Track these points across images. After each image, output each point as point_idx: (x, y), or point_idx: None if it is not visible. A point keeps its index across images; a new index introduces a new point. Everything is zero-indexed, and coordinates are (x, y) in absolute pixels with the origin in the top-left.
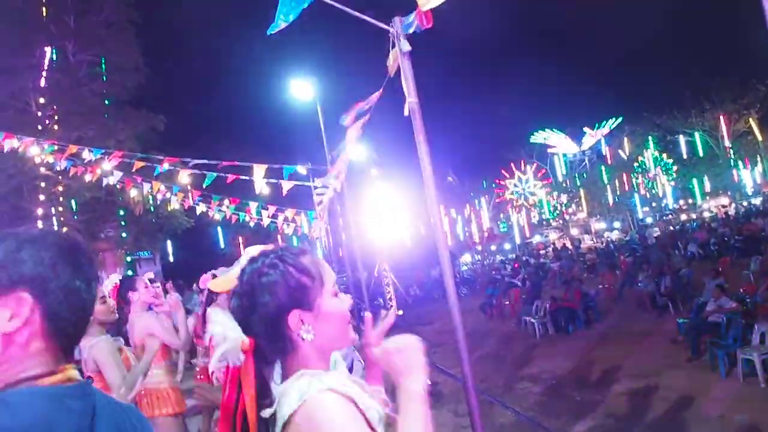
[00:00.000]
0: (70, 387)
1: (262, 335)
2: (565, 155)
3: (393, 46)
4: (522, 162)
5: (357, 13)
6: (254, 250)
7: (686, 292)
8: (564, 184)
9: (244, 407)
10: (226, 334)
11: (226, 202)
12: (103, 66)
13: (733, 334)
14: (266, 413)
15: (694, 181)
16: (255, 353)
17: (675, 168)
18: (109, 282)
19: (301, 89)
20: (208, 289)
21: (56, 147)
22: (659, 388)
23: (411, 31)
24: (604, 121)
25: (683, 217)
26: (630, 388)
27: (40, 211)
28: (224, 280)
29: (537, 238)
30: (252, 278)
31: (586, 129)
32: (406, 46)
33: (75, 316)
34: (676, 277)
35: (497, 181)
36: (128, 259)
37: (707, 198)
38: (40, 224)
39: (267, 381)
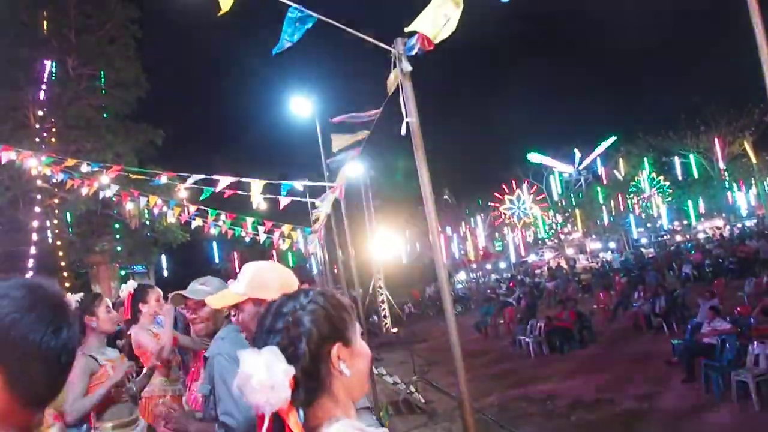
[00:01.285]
0: None
1: (302, 371)
2: (560, 175)
3: (394, 66)
4: (517, 181)
5: (359, 34)
6: (253, 266)
7: (681, 313)
8: (559, 204)
9: None
10: (271, 368)
11: (223, 216)
12: (103, 80)
13: (727, 355)
14: None
15: (689, 202)
16: (294, 393)
17: (670, 189)
18: (126, 288)
19: (301, 106)
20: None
21: (54, 159)
22: (654, 410)
23: (414, 53)
24: (600, 141)
25: (678, 238)
26: (624, 408)
27: (35, 224)
28: (222, 296)
29: (532, 257)
30: (295, 311)
31: (576, 150)
32: (407, 67)
33: (46, 375)
34: (670, 298)
35: (494, 200)
36: (122, 272)
37: (702, 219)
38: (35, 236)
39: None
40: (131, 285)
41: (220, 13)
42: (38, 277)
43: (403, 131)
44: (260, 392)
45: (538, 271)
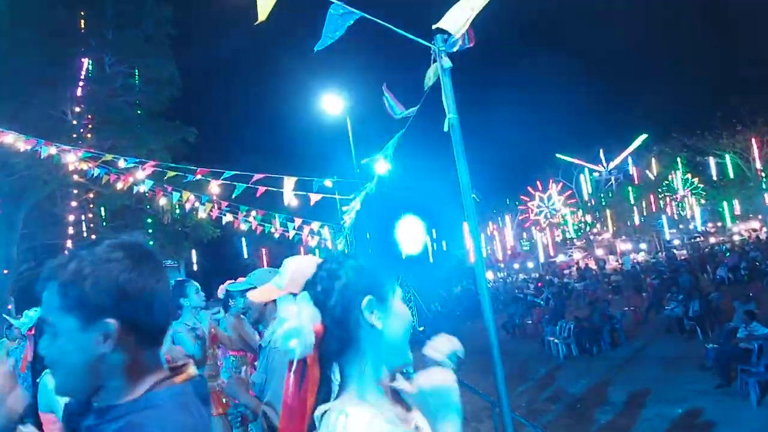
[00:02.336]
0: (196, 382)
1: (335, 320)
2: (591, 174)
3: (433, 62)
4: (547, 180)
5: (399, 30)
6: (294, 261)
7: (715, 317)
8: (589, 204)
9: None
10: (299, 313)
11: (253, 212)
12: (138, 78)
13: (764, 361)
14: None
15: (724, 203)
16: (320, 345)
17: (704, 190)
18: None
19: (332, 104)
20: (226, 294)
21: (92, 155)
22: (687, 415)
23: (455, 49)
24: (632, 140)
25: (712, 239)
26: (656, 413)
27: (71, 218)
28: (263, 290)
29: (561, 258)
30: (333, 263)
31: (601, 152)
32: (448, 63)
33: (163, 316)
34: (705, 302)
35: (522, 199)
36: None
37: (737, 221)
38: (70, 230)
39: (330, 379)
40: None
41: (258, 21)
42: (123, 236)
43: (446, 128)
44: (289, 336)
45: (566, 272)
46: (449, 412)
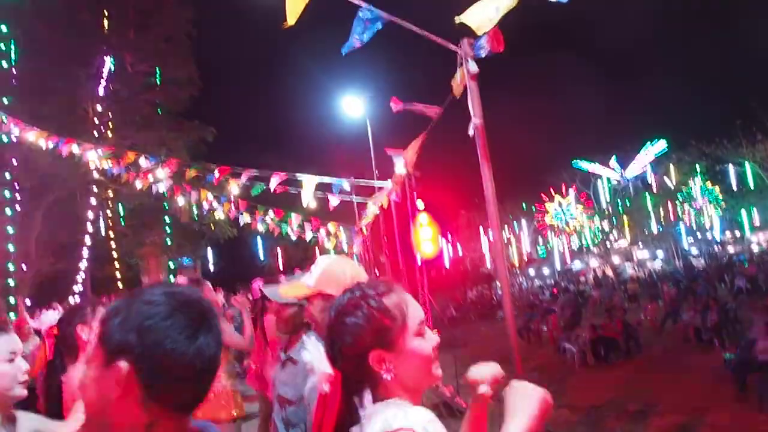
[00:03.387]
0: None
1: (347, 370)
2: (609, 181)
3: (460, 66)
4: (564, 186)
5: (427, 34)
6: (326, 260)
7: (733, 327)
8: (606, 211)
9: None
10: (314, 366)
11: (271, 213)
12: (158, 77)
13: None
14: (354, 430)
15: (743, 212)
16: (342, 383)
17: (723, 198)
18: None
19: (352, 106)
20: (261, 296)
21: (113, 153)
22: (703, 425)
23: (483, 55)
24: (647, 143)
25: (730, 249)
26: (672, 422)
27: (90, 215)
28: (293, 287)
29: (577, 264)
30: (337, 317)
31: (613, 159)
32: (474, 68)
33: (183, 380)
34: (722, 312)
35: (537, 205)
36: (171, 265)
37: (756, 231)
38: (90, 227)
39: (355, 407)
40: (181, 281)
41: (286, 25)
42: (185, 286)
43: (471, 132)
44: (313, 377)
45: (582, 279)
46: (523, 413)
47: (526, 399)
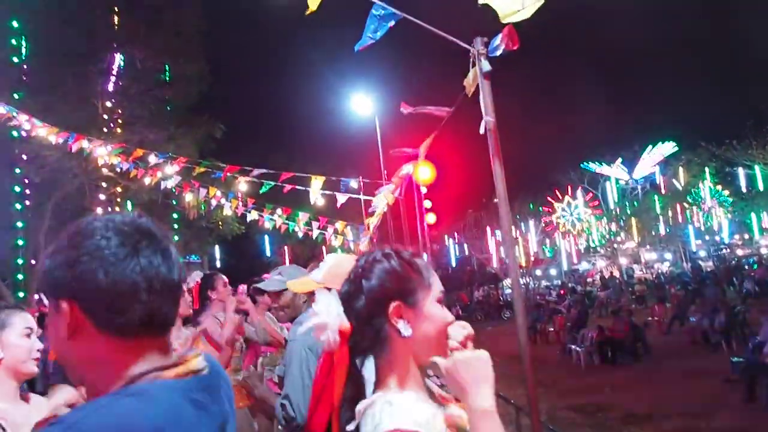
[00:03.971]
0: (192, 380)
1: (362, 322)
2: (617, 182)
3: (473, 66)
4: (572, 186)
5: (439, 32)
6: (335, 257)
7: (741, 330)
8: (614, 212)
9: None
10: (329, 310)
11: (279, 211)
12: (167, 73)
13: None
14: (350, 427)
15: (752, 215)
16: (349, 340)
17: (732, 201)
18: (192, 279)
19: (361, 105)
20: (254, 291)
21: (123, 149)
22: (710, 429)
23: (498, 53)
24: (654, 144)
25: (739, 252)
26: (679, 425)
27: (99, 211)
28: (301, 282)
29: (584, 265)
30: (365, 263)
31: (619, 161)
32: (487, 67)
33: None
34: (730, 314)
35: (545, 208)
36: None
37: (765, 234)
38: None
39: (359, 372)
40: (197, 275)
41: (308, 11)
42: (120, 215)
43: (482, 130)
44: (319, 330)
45: (589, 280)
46: (481, 384)
47: (479, 369)
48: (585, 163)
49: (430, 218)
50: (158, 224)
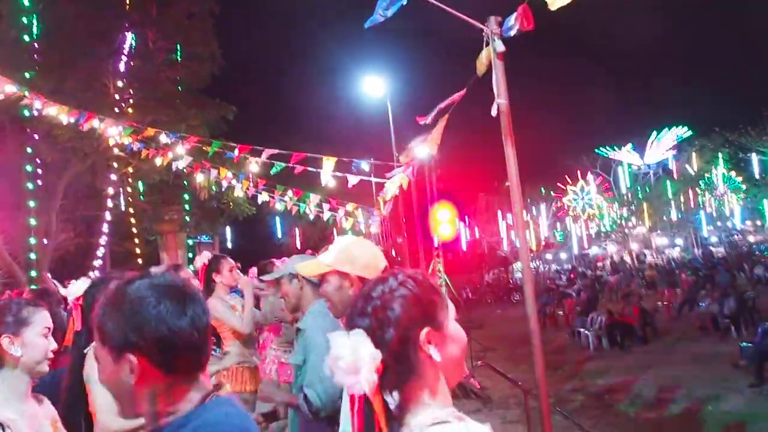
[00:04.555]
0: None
1: (390, 355)
2: (630, 167)
3: (486, 45)
4: (584, 171)
5: (452, 11)
6: (344, 240)
7: (751, 316)
8: (626, 197)
9: None
10: (357, 349)
11: (290, 192)
12: (179, 54)
13: None
14: None
15: (765, 201)
16: (382, 377)
17: (745, 187)
18: (201, 259)
19: (373, 86)
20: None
21: (134, 129)
22: (717, 413)
23: (512, 33)
24: (669, 128)
25: (751, 238)
26: (686, 409)
27: (110, 191)
28: (310, 264)
29: (595, 250)
30: (384, 295)
31: (628, 146)
32: (501, 47)
33: (186, 349)
34: (740, 300)
35: (558, 189)
36: (189, 242)
37: None
38: (109, 203)
39: (389, 406)
40: (206, 256)
41: None
42: (162, 272)
43: (494, 112)
44: (348, 375)
45: (600, 264)
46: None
47: None
48: (599, 149)
49: (442, 201)
50: (186, 279)
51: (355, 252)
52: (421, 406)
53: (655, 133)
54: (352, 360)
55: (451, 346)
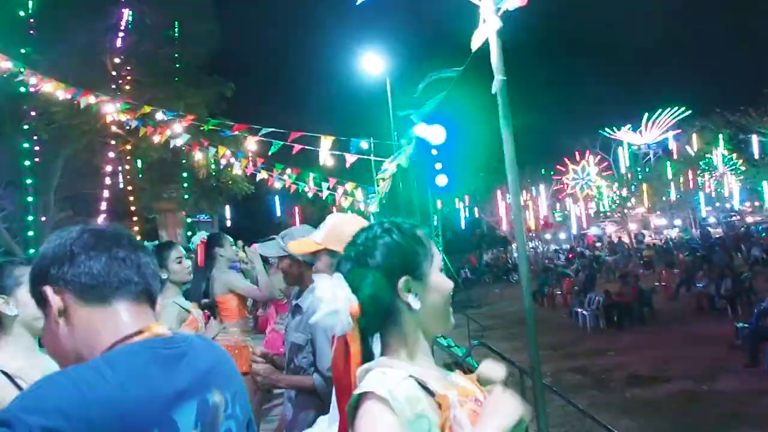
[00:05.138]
0: (157, 340)
1: (370, 301)
2: (630, 147)
3: (482, 22)
4: (584, 151)
5: None
6: (335, 217)
7: (747, 296)
8: (626, 177)
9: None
10: (335, 293)
11: (288, 171)
12: (177, 31)
13: None
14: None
15: (764, 183)
16: (359, 321)
17: (744, 168)
18: (197, 237)
19: (372, 64)
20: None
21: (130, 106)
22: (713, 392)
23: (507, 8)
24: (667, 107)
25: (749, 219)
26: (682, 389)
27: (108, 169)
28: (300, 243)
29: (593, 230)
30: (367, 241)
31: (626, 127)
32: (497, 24)
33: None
34: (737, 281)
35: (557, 175)
36: (188, 220)
37: None
38: (107, 181)
39: (371, 350)
40: (202, 234)
41: None
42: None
43: (494, 89)
44: (327, 316)
45: (598, 245)
46: (500, 420)
47: (506, 408)
48: (600, 129)
49: (441, 180)
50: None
51: (345, 229)
52: (393, 353)
53: (660, 114)
54: (331, 302)
55: (432, 295)
